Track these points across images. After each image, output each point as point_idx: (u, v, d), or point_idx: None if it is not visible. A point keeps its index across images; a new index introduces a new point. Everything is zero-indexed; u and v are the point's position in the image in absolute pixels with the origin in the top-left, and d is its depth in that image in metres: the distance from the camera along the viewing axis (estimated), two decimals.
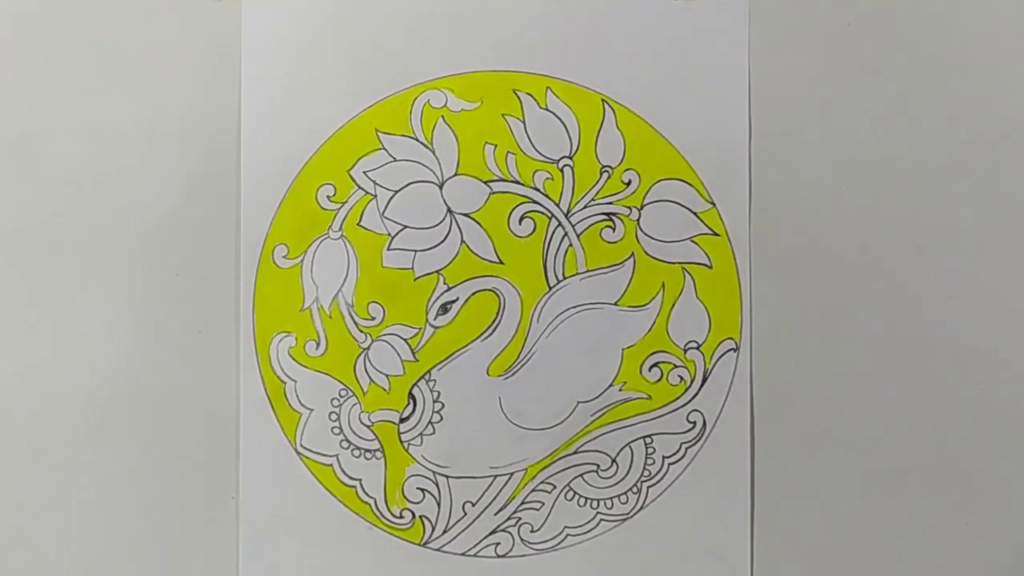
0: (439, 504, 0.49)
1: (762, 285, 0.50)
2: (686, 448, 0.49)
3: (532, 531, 0.49)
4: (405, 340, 0.49)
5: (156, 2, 0.49)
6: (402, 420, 0.49)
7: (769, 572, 0.49)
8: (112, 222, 0.49)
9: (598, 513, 0.49)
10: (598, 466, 0.49)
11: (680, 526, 0.49)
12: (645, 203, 0.50)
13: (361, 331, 0.49)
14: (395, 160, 0.49)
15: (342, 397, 0.49)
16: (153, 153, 0.49)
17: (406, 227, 0.49)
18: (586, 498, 0.49)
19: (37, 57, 0.49)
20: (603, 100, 0.50)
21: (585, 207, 0.49)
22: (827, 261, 0.50)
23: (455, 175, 0.49)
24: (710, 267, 0.50)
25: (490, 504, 0.49)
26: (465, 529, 0.49)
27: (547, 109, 0.49)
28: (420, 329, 0.49)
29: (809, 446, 0.50)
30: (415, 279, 0.49)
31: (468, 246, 0.49)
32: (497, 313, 0.49)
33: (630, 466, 0.49)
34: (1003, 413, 0.50)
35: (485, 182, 0.49)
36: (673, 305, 0.49)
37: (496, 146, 0.49)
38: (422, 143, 0.49)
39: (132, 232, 0.49)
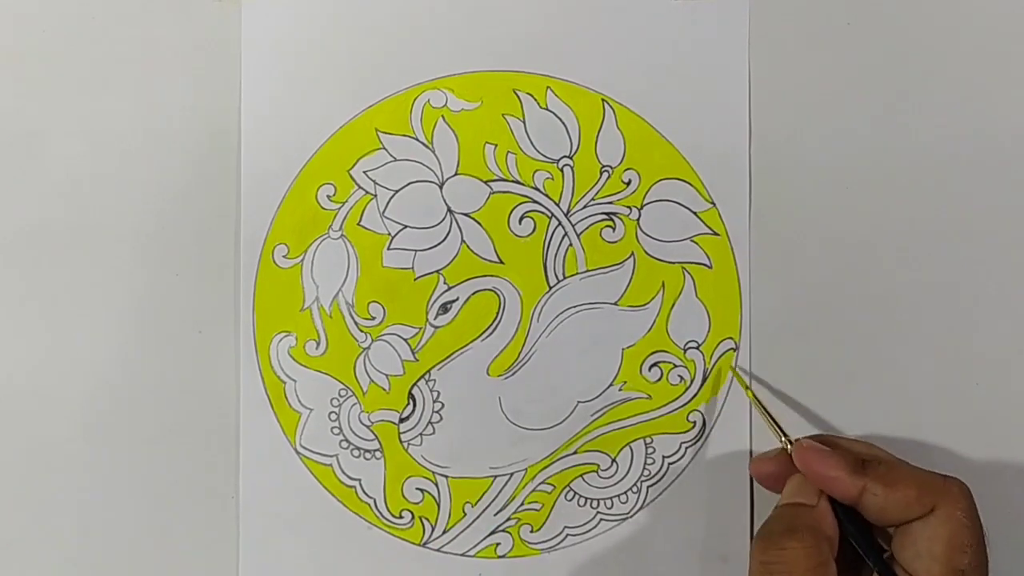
0: (439, 504, 0.49)
1: (762, 285, 0.50)
2: (686, 448, 0.49)
3: (532, 531, 0.49)
4: (405, 340, 0.49)
5: (156, 2, 0.49)
6: (402, 420, 0.49)
7: None
8: (112, 222, 0.49)
9: (598, 513, 0.49)
10: (598, 466, 0.49)
11: (680, 526, 0.49)
12: (645, 203, 0.50)
13: (361, 331, 0.49)
14: (395, 160, 0.49)
15: (342, 397, 0.49)
16: (153, 153, 0.49)
17: (406, 227, 0.49)
18: (586, 498, 0.49)
19: (37, 57, 0.49)
20: (603, 100, 0.50)
21: (585, 207, 0.49)
22: (827, 261, 0.50)
23: (455, 175, 0.49)
24: (710, 267, 0.50)
25: (490, 504, 0.49)
26: (465, 529, 0.49)
27: (547, 109, 0.49)
28: (420, 329, 0.49)
29: None
30: (415, 279, 0.49)
31: (468, 246, 0.49)
32: (497, 313, 0.49)
33: (630, 466, 0.49)
34: (1003, 413, 0.50)
35: (485, 182, 0.49)
36: (673, 305, 0.49)
37: (496, 146, 0.49)
38: (422, 143, 0.49)
39: (132, 232, 0.49)
